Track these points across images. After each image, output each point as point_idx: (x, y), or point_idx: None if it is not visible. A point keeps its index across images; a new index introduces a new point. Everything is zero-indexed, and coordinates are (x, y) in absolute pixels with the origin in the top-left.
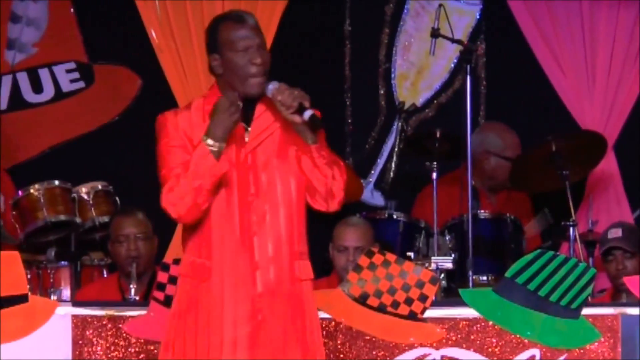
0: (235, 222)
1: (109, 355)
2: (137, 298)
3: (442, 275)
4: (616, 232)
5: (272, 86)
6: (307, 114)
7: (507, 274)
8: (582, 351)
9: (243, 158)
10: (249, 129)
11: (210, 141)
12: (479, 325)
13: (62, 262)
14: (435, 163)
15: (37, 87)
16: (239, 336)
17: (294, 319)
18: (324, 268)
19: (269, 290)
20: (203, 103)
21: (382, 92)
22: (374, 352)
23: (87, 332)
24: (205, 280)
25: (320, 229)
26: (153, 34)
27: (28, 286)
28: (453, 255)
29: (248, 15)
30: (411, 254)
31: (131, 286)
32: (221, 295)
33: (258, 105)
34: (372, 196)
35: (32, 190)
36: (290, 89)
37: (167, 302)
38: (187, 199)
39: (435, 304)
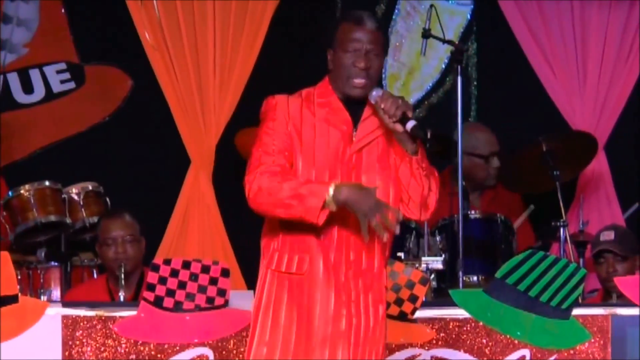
0: (335, 221)
1: (99, 356)
2: (126, 300)
3: (433, 275)
4: (609, 235)
5: (376, 93)
6: (410, 124)
7: (498, 275)
8: (572, 352)
9: (348, 157)
10: (356, 130)
11: (332, 197)
12: (469, 326)
13: (53, 263)
14: None
15: (28, 88)
16: (333, 333)
17: (378, 325)
18: None
19: (361, 293)
20: (315, 94)
21: None
22: None
23: (77, 333)
24: (301, 274)
25: None
26: (147, 35)
27: (18, 287)
28: (443, 255)
29: (369, 18)
30: (401, 255)
31: (120, 289)
32: (314, 291)
33: (366, 107)
34: None
35: (22, 191)
36: (394, 98)
37: (157, 302)
38: (271, 203)
39: (426, 304)
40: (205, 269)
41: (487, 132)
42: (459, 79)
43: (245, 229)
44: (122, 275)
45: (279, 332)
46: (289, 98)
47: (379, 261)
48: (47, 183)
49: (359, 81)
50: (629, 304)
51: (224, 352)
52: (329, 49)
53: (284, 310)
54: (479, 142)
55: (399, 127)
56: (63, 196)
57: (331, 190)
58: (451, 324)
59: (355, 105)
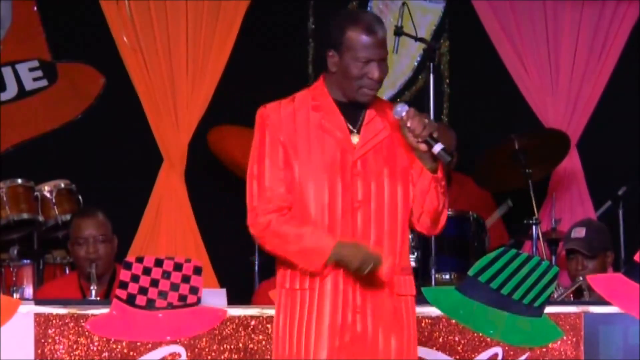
0: (338, 230)
1: (72, 354)
2: (98, 299)
3: None
4: (579, 232)
5: (401, 109)
6: (437, 148)
7: (470, 272)
8: (544, 349)
9: (352, 163)
10: (357, 133)
11: (334, 256)
12: (441, 324)
13: (25, 260)
14: None
15: (0, 86)
16: (339, 345)
17: (390, 333)
18: None
19: (368, 301)
20: (309, 97)
21: None
22: None
23: (50, 331)
24: (312, 289)
25: None
26: (124, 38)
27: None
28: (416, 253)
29: (379, 26)
30: None
31: (91, 288)
32: (322, 302)
33: (368, 110)
34: None
35: None
36: (420, 116)
37: (130, 300)
38: (278, 247)
39: None
40: (178, 267)
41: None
42: (432, 77)
43: (218, 226)
44: (94, 274)
45: (293, 350)
46: (281, 106)
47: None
48: (19, 181)
49: (371, 91)
50: (601, 301)
51: (196, 350)
52: (330, 50)
53: (297, 327)
54: None
55: (423, 147)
56: (35, 194)
57: (336, 250)
58: (423, 321)
59: (353, 108)
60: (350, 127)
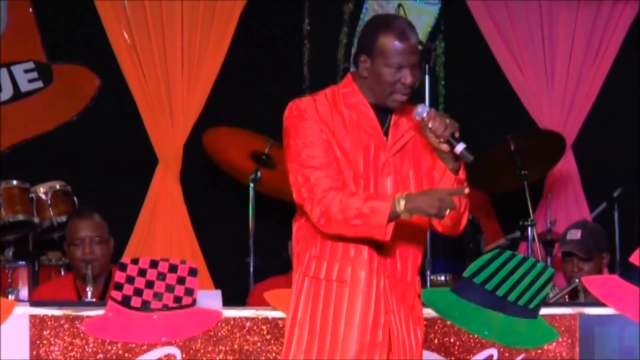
0: None
1: (67, 355)
2: (94, 300)
3: None
4: (575, 234)
5: (422, 109)
6: (460, 147)
7: (465, 274)
8: (540, 351)
9: (384, 162)
10: (385, 134)
11: (404, 209)
12: (437, 325)
13: (20, 262)
14: None
15: None
16: (369, 343)
17: (417, 333)
18: (284, 266)
19: (398, 300)
20: (339, 95)
21: None
22: None
23: (45, 332)
24: (343, 281)
25: (278, 228)
26: (125, 35)
27: None
28: None
29: (412, 32)
30: None
31: (87, 289)
32: (355, 299)
33: (394, 112)
34: None
35: None
36: (442, 117)
37: (125, 301)
38: (339, 224)
39: None
40: (173, 268)
41: None
42: (427, 78)
43: (213, 228)
44: (89, 275)
45: (315, 339)
46: (316, 101)
47: (412, 269)
48: (14, 182)
49: (402, 97)
50: (596, 303)
51: (191, 352)
52: (362, 55)
53: (321, 318)
54: None
55: (445, 147)
56: (31, 195)
57: (400, 202)
58: None
59: (381, 110)
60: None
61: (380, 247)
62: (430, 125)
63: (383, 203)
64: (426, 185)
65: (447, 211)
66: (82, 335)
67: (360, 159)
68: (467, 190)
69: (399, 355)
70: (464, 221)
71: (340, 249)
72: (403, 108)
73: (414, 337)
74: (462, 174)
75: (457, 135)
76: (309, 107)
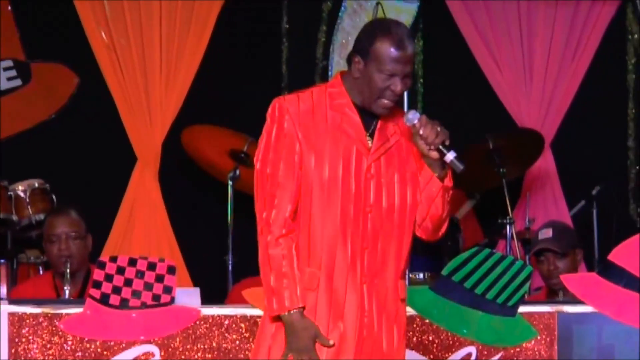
0: (349, 233)
1: (45, 353)
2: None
3: None
4: (547, 233)
5: (413, 116)
6: (450, 156)
7: (444, 272)
8: (518, 349)
9: (366, 167)
10: (370, 137)
11: (285, 321)
12: (415, 323)
13: None
14: None
15: None
16: (344, 350)
17: (392, 338)
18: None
19: (374, 306)
20: (326, 94)
21: None
22: None
23: (24, 330)
24: (313, 289)
25: (255, 227)
26: (102, 35)
27: None
28: None
29: (410, 41)
30: None
31: (65, 287)
32: (328, 306)
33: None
34: None
35: None
36: (432, 124)
37: (103, 299)
38: (262, 269)
39: None
40: (152, 266)
41: None
42: None
43: (191, 226)
44: (68, 272)
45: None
46: (299, 99)
47: (395, 274)
48: None
49: (389, 103)
50: (575, 301)
51: (170, 349)
52: (357, 56)
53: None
54: None
55: (434, 154)
56: (9, 193)
57: (288, 313)
58: None
59: (367, 113)
60: (366, 132)
61: (358, 253)
62: (421, 132)
63: (283, 300)
64: (410, 190)
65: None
66: (60, 333)
67: (339, 163)
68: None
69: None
70: (444, 227)
71: (311, 256)
72: (390, 111)
73: (397, 342)
74: (448, 182)
75: (447, 143)
76: (292, 106)
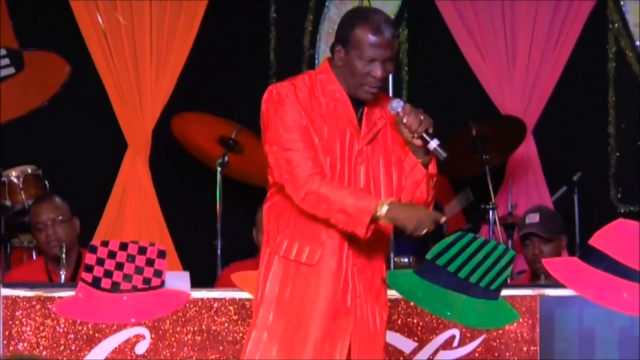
0: None
1: (38, 335)
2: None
3: None
4: (534, 218)
5: (397, 104)
6: (434, 144)
7: (428, 256)
8: (501, 331)
9: (358, 151)
10: (359, 122)
11: (384, 215)
12: (400, 306)
13: None
14: None
15: None
16: (336, 328)
17: (381, 319)
18: (251, 249)
19: (365, 287)
20: (316, 81)
21: None
22: None
23: (17, 313)
24: (311, 265)
25: (245, 211)
26: (94, 23)
27: None
28: None
29: (388, 26)
30: None
31: (61, 272)
32: (321, 284)
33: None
34: None
35: None
36: (416, 112)
37: (95, 283)
38: (322, 210)
39: None
40: (142, 251)
41: None
42: None
43: (181, 211)
44: (64, 257)
45: (281, 319)
46: (296, 87)
47: (380, 256)
48: None
49: (372, 89)
50: (557, 284)
51: (160, 332)
52: (338, 44)
53: (288, 298)
54: None
55: (418, 142)
56: (3, 179)
57: (382, 207)
58: None
59: (355, 98)
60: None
61: (347, 236)
62: (405, 120)
63: (367, 204)
64: (396, 175)
65: (424, 231)
66: (53, 316)
67: (337, 147)
68: (444, 219)
69: (360, 341)
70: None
71: (312, 232)
72: (376, 98)
73: (380, 323)
74: (432, 169)
75: (430, 131)
76: (290, 92)
